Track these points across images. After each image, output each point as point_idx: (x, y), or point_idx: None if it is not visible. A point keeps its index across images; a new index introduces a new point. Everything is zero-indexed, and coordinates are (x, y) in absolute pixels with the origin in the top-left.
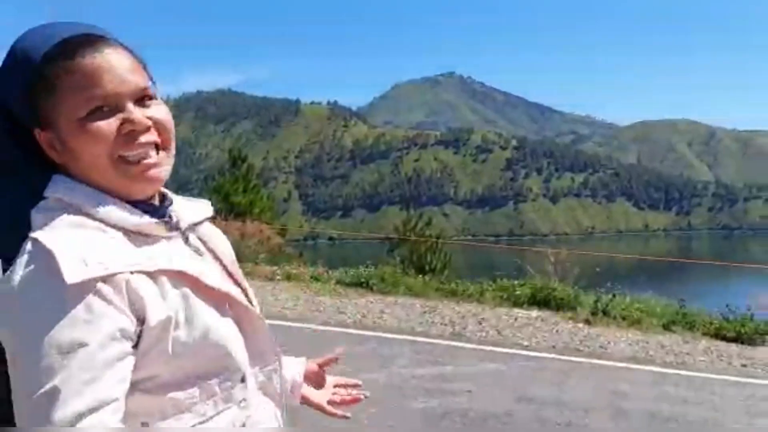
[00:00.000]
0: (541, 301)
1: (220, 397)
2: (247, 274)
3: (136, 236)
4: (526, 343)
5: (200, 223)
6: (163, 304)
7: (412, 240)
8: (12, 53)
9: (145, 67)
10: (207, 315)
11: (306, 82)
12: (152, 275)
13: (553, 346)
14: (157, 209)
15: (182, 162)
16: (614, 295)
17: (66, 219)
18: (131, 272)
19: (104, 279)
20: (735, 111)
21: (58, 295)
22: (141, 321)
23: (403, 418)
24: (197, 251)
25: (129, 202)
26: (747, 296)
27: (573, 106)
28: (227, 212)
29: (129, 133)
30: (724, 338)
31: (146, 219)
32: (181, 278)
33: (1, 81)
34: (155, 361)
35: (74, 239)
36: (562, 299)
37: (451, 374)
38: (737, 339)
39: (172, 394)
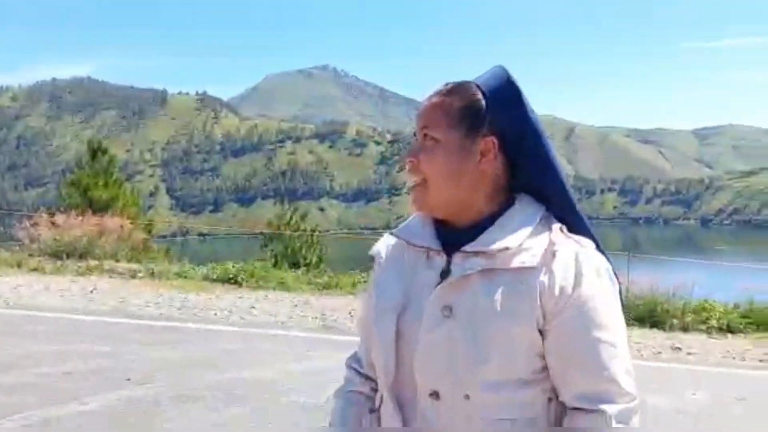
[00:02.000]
0: None
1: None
2: (105, 272)
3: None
4: None
5: (480, 253)
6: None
7: (286, 234)
8: None
9: (460, 107)
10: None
11: (173, 72)
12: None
13: None
14: (449, 232)
15: (34, 155)
16: None
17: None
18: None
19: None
20: (593, 108)
21: None
22: None
23: (277, 415)
24: (429, 276)
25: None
26: None
27: None
28: (85, 207)
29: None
30: None
31: (401, 235)
32: None
33: None
34: None
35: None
36: None
37: (322, 367)
38: None
39: None
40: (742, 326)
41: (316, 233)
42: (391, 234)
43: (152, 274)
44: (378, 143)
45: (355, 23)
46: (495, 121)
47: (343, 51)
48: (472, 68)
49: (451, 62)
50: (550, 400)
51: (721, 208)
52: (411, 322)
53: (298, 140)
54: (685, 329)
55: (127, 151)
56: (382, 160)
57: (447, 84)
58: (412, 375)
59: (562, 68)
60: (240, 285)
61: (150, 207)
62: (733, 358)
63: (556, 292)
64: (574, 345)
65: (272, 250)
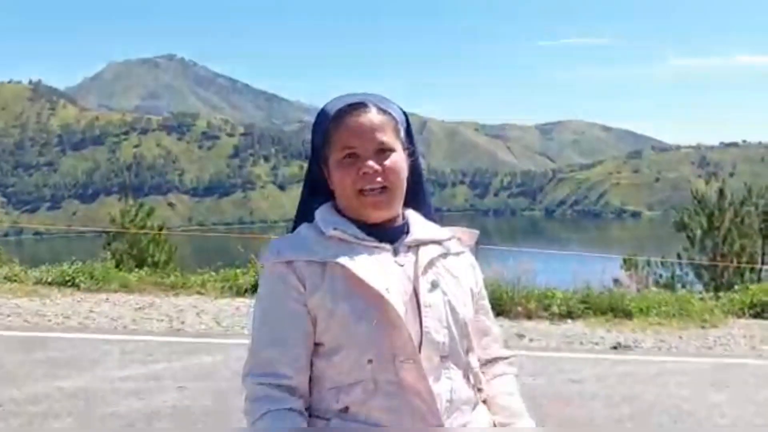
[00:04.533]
0: None
1: (344, 370)
2: None
3: (337, 241)
4: (247, 332)
5: (420, 243)
6: (320, 283)
7: (131, 232)
8: (321, 111)
9: (397, 126)
10: (345, 298)
11: (1, 58)
12: (322, 264)
13: None
14: (380, 230)
15: None
16: None
17: (300, 229)
18: (305, 261)
19: (287, 263)
20: (444, 104)
21: (263, 271)
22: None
23: (104, 424)
24: (399, 262)
25: (357, 220)
26: None
27: (300, 95)
28: None
29: (364, 175)
30: None
31: (349, 232)
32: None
33: (314, 129)
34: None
35: (287, 240)
36: None
37: (164, 371)
38: None
39: (333, 360)
40: (580, 312)
41: (164, 230)
42: (334, 231)
43: None
44: (230, 135)
45: (203, 12)
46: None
47: (192, 41)
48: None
49: (305, 55)
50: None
51: (563, 199)
52: (405, 301)
53: (144, 132)
54: (529, 317)
55: None
56: (236, 152)
57: (379, 101)
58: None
59: (415, 65)
60: (78, 288)
61: None
62: (572, 342)
63: (476, 268)
64: (487, 309)
65: (116, 249)
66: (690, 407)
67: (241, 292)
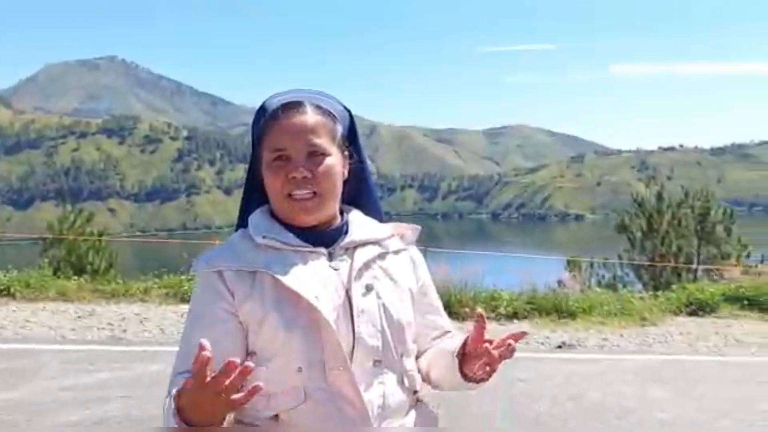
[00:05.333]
0: None
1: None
2: None
3: (268, 248)
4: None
5: (357, 245)
6: (250, 292)
7: (70, 239)
8: (260, 107)
9: (334, 127)
10: (275, 307)
11: None
12: (252, 273)
13: None
14: (316, 233)
15: None
16: None
17: (234, 236)
18: (235, 270)
19: (217, 272)
20: (393, 108)
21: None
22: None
23: None
24: (333, 267)
25: (289, 224)
26: None
27: (245, 98)
28: None
29: (293, 180)
30: None
31: (281, 239)
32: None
33: (252, 126)
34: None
35: (218, 249)
36: None
37: (107, 380)
38: None
39: (264, 368)
40: (526, 312)
41: (105, 237)
42: (265, 238)
43: None
44: (174, 139)
45: (146, 13)
46: (350, 143)
47: (134, 42)
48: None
49: (251, 58)
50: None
51: (509, 203)
52: (337, 307)
53: (82, 136)
54: None
55: None
56: (179, 156)
57: (318, 100)
58: (348, 350)
59: (364, 69)
60: (13, 297)
61: None
62: (518, 342)
63: (419, 262)
64: (437, 306)
65: (53, 257)
66: (632, 404)
67: (185, 299)
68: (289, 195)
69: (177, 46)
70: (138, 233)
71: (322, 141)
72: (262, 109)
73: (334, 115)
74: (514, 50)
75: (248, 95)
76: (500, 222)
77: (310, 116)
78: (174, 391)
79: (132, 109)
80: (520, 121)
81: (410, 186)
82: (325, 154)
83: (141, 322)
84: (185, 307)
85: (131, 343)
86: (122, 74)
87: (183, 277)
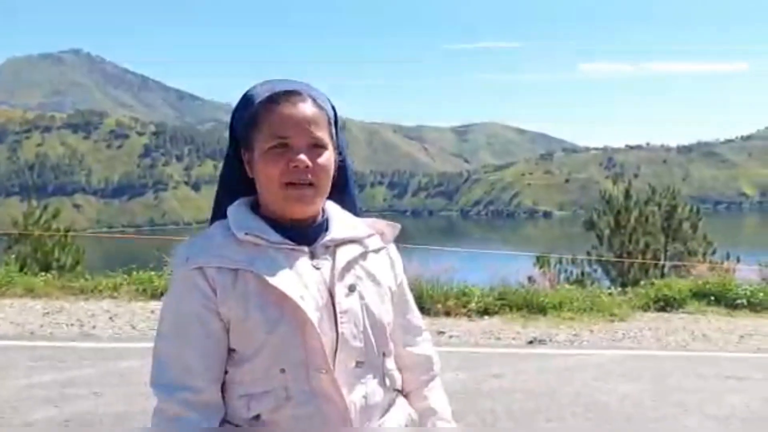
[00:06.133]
0: None
1: (258, 378)
2: None
3: (250, 245)
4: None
5: (338, 243)
6: (232, 290)
7: (36, 235)
8: (245, 95)
9: (330, 121)
10: (258, 306)
11: None
12: (234, 271)
13: None
14: (298, 230)
15: None
16: None
17: (212, 228)
18: (216, 267)
19: (198, 269)
20: (363, 105)
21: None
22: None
23: None
24: (316, 266)
25: (277, 221)
26: None
27: (214, 93)
28: None
29: (294, 169)
30: None
31: (264, 236)
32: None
33: (235, 115)
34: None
35: (197, 243)
36: None
37: (77, 378)
38: None
39: (245, 368)
40: (497, 308)
41: (71, 232)
42: (247, 235)
43: None
44: (141, 134)
45: (111, 5)
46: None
47: (100, 35)
48: (242, 61)
49: (219, 53)
50: None
51: (478, 200)
52: (320, 307)
53: (47, 130)
54: (448, 314)
55: None
56: (147, 152)
57: (312, 91)
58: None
59: (333, 65)
60: None
61: None
62: (490, 338)
63: (397, 261)
64: (412, 305)
65: (19, 253)
66: (603, 398)
67: (156, 295)
68: (287, 184)
69: (143, 39)
70: (105, 229)
71: (322, 134)
72: (250, 97)
73: (325, 109)
74: (480, 48)
75: (216, 91)
76: (469, 219)
77: (311, 107)
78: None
79: (98, 104)
80: (489, 119)
81: (380, 183)
82: (324, 147)
83: (111, 318)
84: (156, 304)
85: (101, 340)
86: (87, 68)
87: (153, 273)
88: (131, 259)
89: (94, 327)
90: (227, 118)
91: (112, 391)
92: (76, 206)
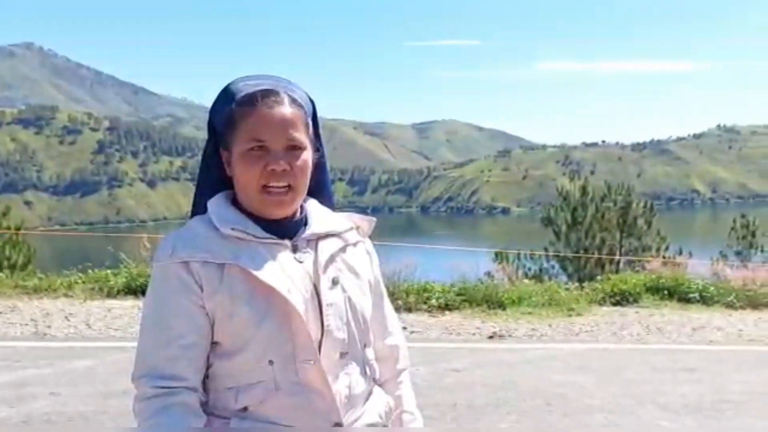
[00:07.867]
0: (137, 289)
1: (247, 370)
2: None
3: (234, 239)
4: (120, 335)
5: (319, 237)
6: (219, 284)
7: None
8: (225, 90)
9: (307, 120)
10: (245, 300)
11: None
12: (220, 265)
13: None
14: (278, 225)
15: None
16: None
17: (193, 222)
18: (202, 261)
19: (183, 263)
20: (324, 101)
21: (154, 270)
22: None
23: None
24: (298, 259)
25: (257, 216)
26: None
27: (170, 88)
28: None
29: (272, 172)
30: None
31: (248, 230)
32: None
33: (214, 109)
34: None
35: (182, 238)
36: None
37: (33, 378)
38: None
39: (233, 361)
40: (457, 304)
41: (22, 231)
42: (233, 229)
43: None
44: (94, 130)
45: None
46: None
47: (52, 29)
48: (199, 56)
49: (175, 47)
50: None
51: (438, 197)
52: (306, 300)
53: None
54: (409, 309)
55: None
56: (100, 148)
57: (291, 89)
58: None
59: (291, 61)
60: None
61: None
62: (450, 333)
63: (373, 254)
64: (386, 298)
65: None
66: (562, 390)
67: (112, 294)
68: (264, 187)
69: (96, 33)
70: (57, 227)
71: (300, 135)
72: (229, 93)
73: (304, 107)
74: (439, 45)
75: (172, 85)
76: (429, 215)
77: (288, 107)
78: None
79: (50, 99)
80: (449, 116)
81: (340, 179)
82: (302, 149)
83: (66, 317)
84: (112, 302)
85: (56, 339)
86: (39, 62)
87: (110, 271)
88: (85, 257)
89: (49, 326)
90: (183, 114)
91: (70, 391)
92: (27, 203)
